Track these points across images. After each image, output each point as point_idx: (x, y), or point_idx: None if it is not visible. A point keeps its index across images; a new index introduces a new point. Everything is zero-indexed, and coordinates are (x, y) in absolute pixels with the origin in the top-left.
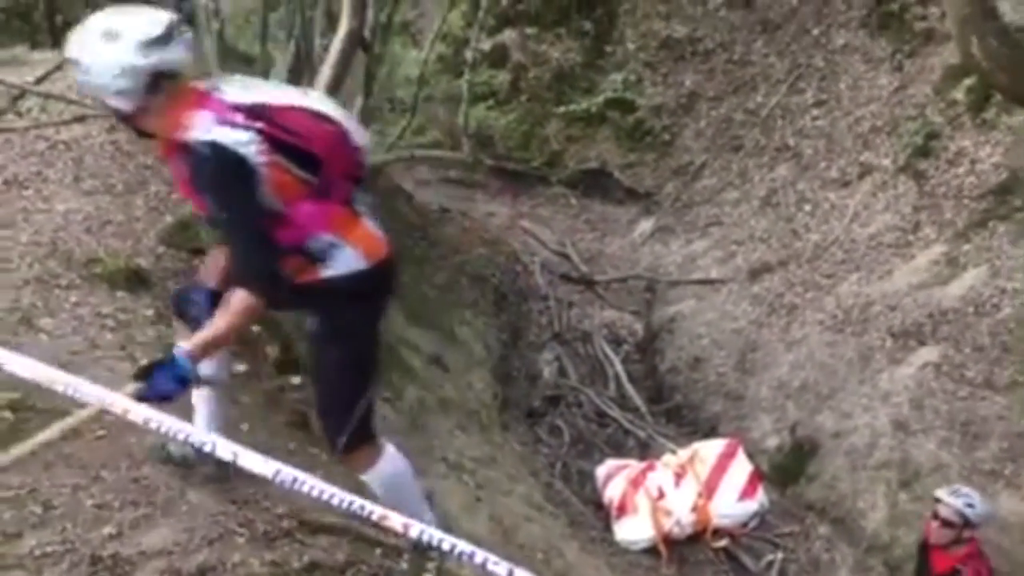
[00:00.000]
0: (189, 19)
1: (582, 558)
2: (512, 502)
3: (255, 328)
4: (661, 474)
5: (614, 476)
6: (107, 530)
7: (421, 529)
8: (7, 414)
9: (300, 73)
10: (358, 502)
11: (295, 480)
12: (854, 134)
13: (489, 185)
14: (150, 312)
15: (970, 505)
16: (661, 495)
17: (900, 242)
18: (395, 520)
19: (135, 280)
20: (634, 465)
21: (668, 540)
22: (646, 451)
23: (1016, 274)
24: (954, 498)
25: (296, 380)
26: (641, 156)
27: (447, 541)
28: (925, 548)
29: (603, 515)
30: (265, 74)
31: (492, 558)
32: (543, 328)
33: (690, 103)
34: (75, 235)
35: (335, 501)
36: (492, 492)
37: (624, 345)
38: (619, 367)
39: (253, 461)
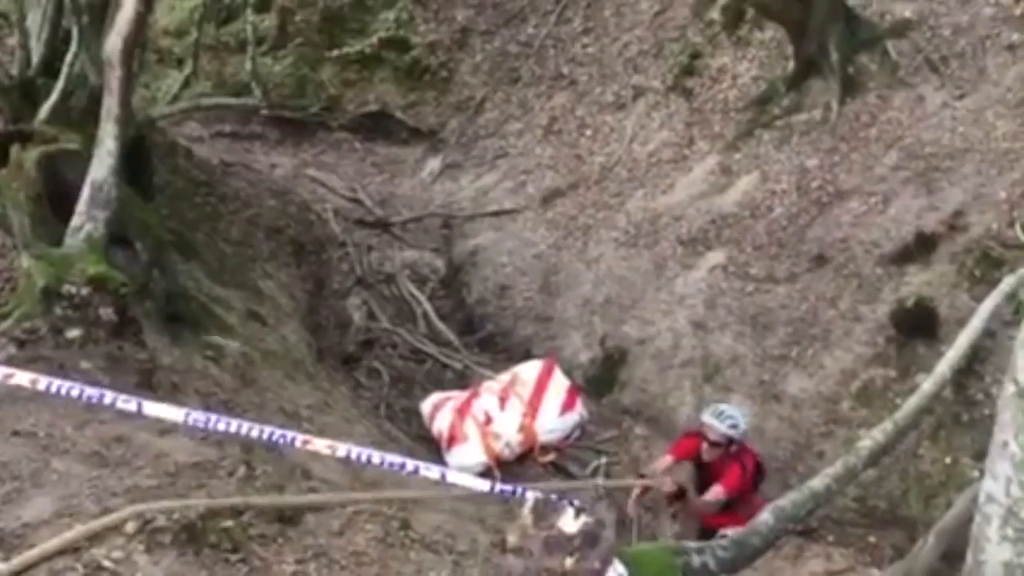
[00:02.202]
0: None
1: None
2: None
3: (86, 291)
4: (486, 400)
5: (440, 408)
6: None
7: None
8: None
9: (59, 26)
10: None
11: (208, 420)
12: (623, 59)
13: (267, 136)
14: None
15: (734, 426)
16: (488, 420)
17: (677, 157)
18: (318, 443)
19: None
20: (459, 395)
21: (499, 462)
22: (465, 381)
23: (783, 176)
24: (719, 422)
25: None
26: (421, 95)
27: None
28: (701, 465)
29: (434, 447)
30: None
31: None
32: (345, 275)
33: (464, 38)
34: None
35: (254, 433)
36: (333, 435)
37: (428, 283)
38: (427, 305)
39: (160, 409)
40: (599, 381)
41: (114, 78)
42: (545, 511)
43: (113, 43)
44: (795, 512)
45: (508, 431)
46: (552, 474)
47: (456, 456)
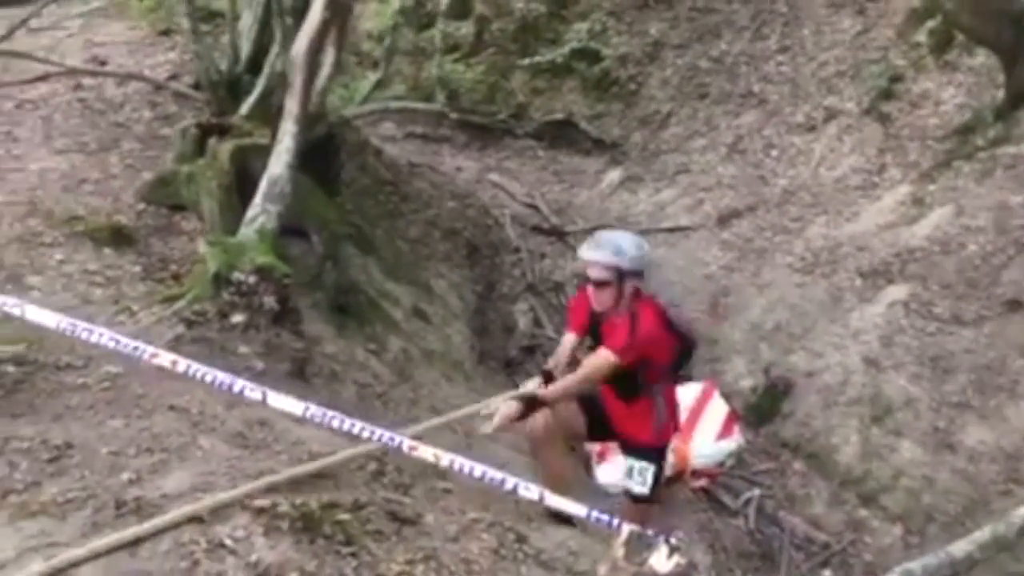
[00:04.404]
0: None
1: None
2: (499, 449)
3: (252, 279)
4: None
5: None
6: (125, 476)
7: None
8: (10, 368)
9: (267, 26)
10: (387, 434)
11: (324, 415)
12: (818, 79)
13: (455, 139)
14: (137, 268)
15: (618, 253)
16: None
17: (866, 184)
18: (424, 451)
19: (119, 237)
20: None
21: None
22: None
23: (980, 212)
24: (597, 251)
25: None
26: (607, 106)
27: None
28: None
29: (585, 461)
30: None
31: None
32: (516, 280)
33: (655, 52)
34: (53, 194)
35: (366, 434)
36: (480, 439)
37: None
38: None
39: (283, 401)
40: (760, 410)
41: (297, 80)
42: (639, 546)
43: (299, 46)
44: None
45: None
46: (702, 501)
47: (605, 472)
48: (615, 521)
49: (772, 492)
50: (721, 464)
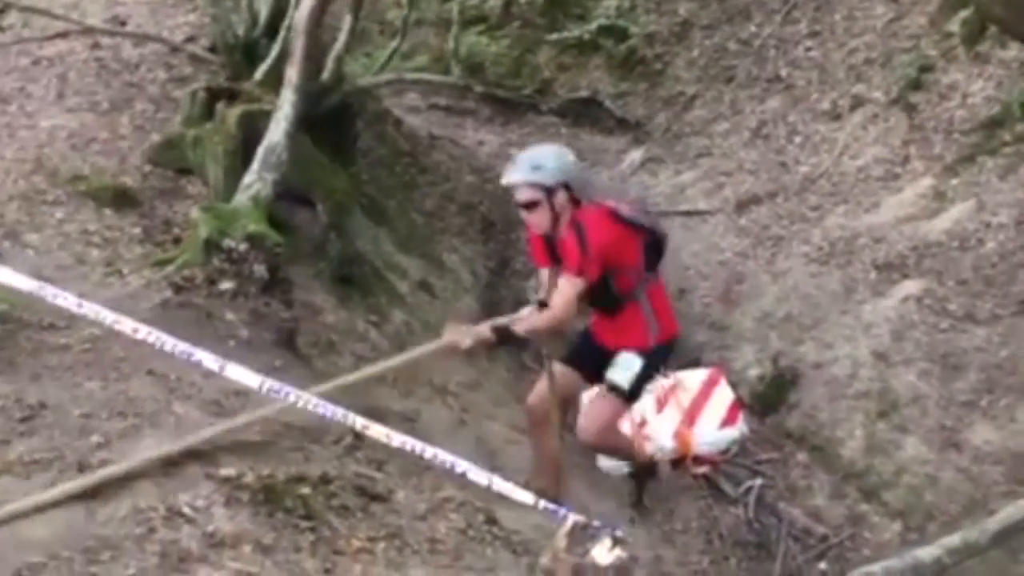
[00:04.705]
0: None
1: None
2: (496, 426)
3: (243, 247)
4: (644, 401)
5: None
6: (94, 439)
7: (403, 440)
8: None
9: None
10: (341, 411)
11: (280, 390)
12: (847, 66)
13: (479, 112)
14: (137, 230)
15: (537, 168)
16: (643, 422)
17: (888, 175)
18: (376, 430)
19: (122, 198)
20: None
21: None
22: None
23: (1001, 209)
24: (513, 172)
25: None
26: (633, 85)
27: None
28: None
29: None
30: None
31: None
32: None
33: (683, 32)
34: (60, 152)
35: (320, 411)
36: (477, 416)
37: None
38: None
39: (240, 373)
40: (766, 400)
41: (298, 46)
42: (582, 536)
43: (301, 12)
44: None
45: (662, 436)
46: (702, 487)
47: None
48: (562, 512)
49: (774, 482)
50: (724, 452)
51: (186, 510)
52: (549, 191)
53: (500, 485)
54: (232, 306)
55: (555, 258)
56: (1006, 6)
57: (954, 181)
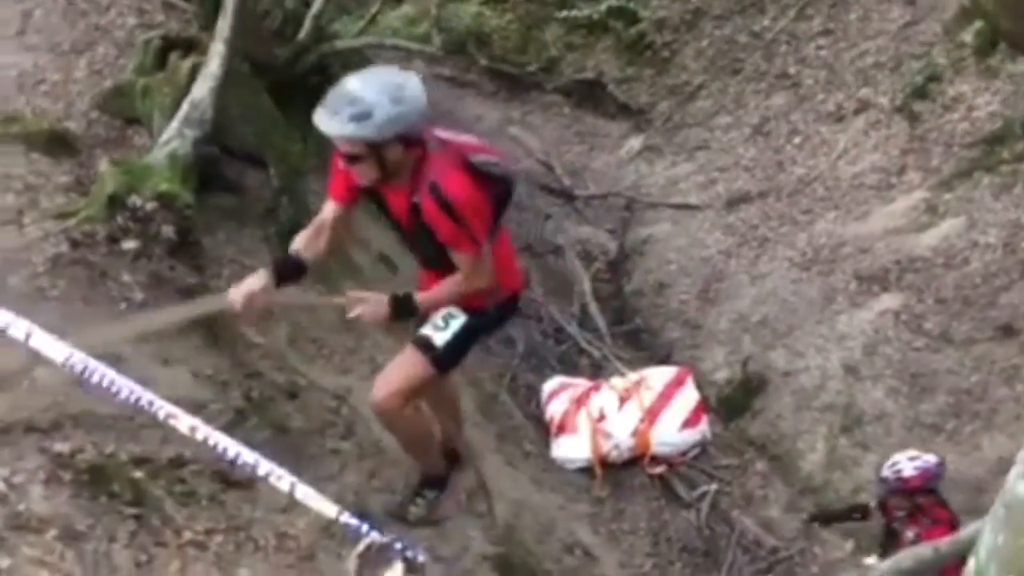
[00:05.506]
0: None
1: (503, 471)
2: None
3: (151, 205)
4: (605, 396)
5: (558, 393)
6: None
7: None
8: None
9: None
10: (147, 397)
11: (85, 369)
12: (856, 68)
13: (482, 86)
14: (66, 179)
15: (359, 117)
16: (602, 417)
17: (882, 184)
18: (183, 420)
19: (57, 144)
20: (579, 384)
21: (604, 462)
22: (598, 372)
23: (991, 228)
24: (330, 119)
25: None
26: (639, 71)
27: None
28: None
29: (544, 431)
30: None
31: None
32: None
33: (694, 20)
34: (3, 91)
35: (122, 395)
36: None
37: (595, 263)
38: (586, 285)
39: (44, 343)
40: (731, 404)
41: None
42: (376, 559)
43: None
44: None
45: (621, 433)
46: (656, 488)
47: (562, 447)
48: (364, 527)
49: (730, 489)
50: (683, 453)
51: (1, 486)
52: (377, 146)
53: (303, 492)
54: (132, 267)
55: (360, 199)
56: (1013, 19)
57: (947, 196)
